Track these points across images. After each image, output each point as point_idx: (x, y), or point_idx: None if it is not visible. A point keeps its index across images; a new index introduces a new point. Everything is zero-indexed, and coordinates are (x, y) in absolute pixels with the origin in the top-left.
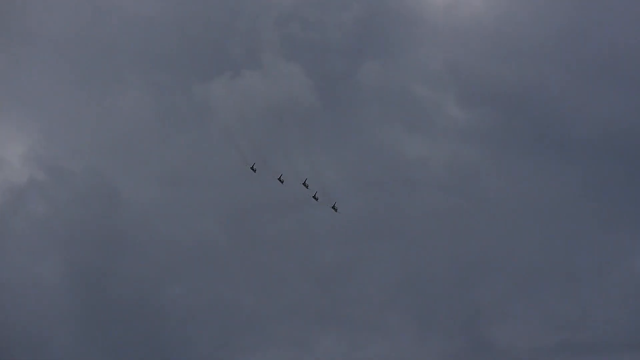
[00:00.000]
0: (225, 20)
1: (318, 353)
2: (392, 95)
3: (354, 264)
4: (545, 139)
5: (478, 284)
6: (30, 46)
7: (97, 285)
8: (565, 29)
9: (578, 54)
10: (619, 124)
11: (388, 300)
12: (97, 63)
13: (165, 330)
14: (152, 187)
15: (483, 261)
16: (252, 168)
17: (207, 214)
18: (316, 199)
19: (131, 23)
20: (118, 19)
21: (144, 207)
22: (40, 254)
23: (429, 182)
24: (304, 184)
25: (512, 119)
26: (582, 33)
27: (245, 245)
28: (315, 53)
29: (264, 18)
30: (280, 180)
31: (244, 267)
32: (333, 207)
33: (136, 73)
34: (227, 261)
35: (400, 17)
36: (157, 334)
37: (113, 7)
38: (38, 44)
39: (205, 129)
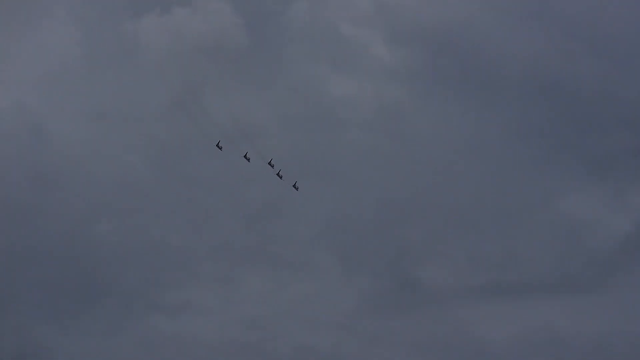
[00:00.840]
0: None
1: (245, 290)
2: (320, 34)
3: (282, 202)
4: (473, 78)
5: (405, 224)
6: None
7: (24, 221)
8: None
9: None
10: (546, 63)
11: (315, 239)
12: None
13: (94, 267)
14: (80, 123)
15: (410, 200)
16: (217, 146)
17: (135, 151)
18: (280, 177)
19: None
20: None
21: (72, 144)
22: None
23: (356, 121)
24: (270, 163)
25: (440, 59)
26: None
27: (174, 183)
28: None
29: None
30: (246, 158)
31: (172, 204)
32: (294, 186)
33: (64, 8)
34: (156, 199)
35: None
36: (85, 271)
37: None
38: None
39: (134, 66)
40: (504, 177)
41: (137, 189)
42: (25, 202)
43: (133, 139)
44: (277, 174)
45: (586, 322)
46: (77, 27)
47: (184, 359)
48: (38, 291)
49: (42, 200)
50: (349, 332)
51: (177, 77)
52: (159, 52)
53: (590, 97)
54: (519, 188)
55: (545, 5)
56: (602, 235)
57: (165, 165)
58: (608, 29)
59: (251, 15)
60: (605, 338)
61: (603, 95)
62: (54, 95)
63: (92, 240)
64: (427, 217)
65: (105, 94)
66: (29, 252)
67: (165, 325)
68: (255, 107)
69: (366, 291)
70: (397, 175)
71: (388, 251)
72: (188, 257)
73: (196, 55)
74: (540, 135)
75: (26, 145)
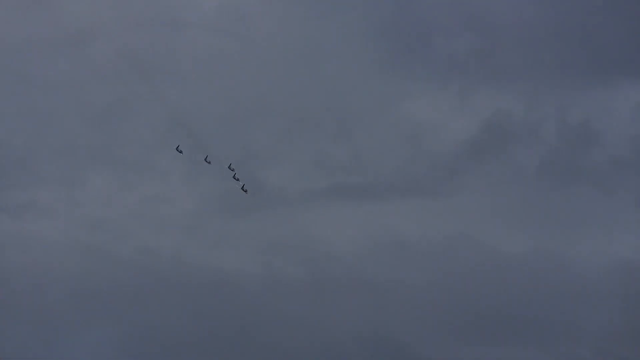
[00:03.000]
0: None
1: (89, 192)
2: None
3: (125, 103)
4: None
5: (250, 126)
6: None
7: None
8: None
9: None
10: None
11: (158, 141)
12: None
13: None
14: None
15: (255, 103)
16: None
17: None
18: (237, 179)
19: None
20: None
21: None
22: None
23: (198, 23)
24: (230, 167)
25: None
26: None
27: (17, 83)
28: None
29: None
30: (207, 162)
31: (15, 105)
32: (242, 189)
33: None
34: None
35: None
36: None
37: None
38: None
39: None
40: (349, 80)
41: None
42: None
43: None
44: (233, 177)
45: (430, 225)
46: None
47: (28, 259)
48: None
49: None
50: (193, 234)
51: None
52: None
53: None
54: (364, 91)
55: None
56: (445, 138)
57: (8, 66)
58: None
59: None
60: (448, 241)
61: None
62: None
63: None
64: (272, 120)
65: None
66: None
67: (8, 226)
68: (94, 6)
69: (211, 193)
70: (242, 78)
71: (233, 153)
72: (32, 158)
73: None
74: (384, 37)
75: None
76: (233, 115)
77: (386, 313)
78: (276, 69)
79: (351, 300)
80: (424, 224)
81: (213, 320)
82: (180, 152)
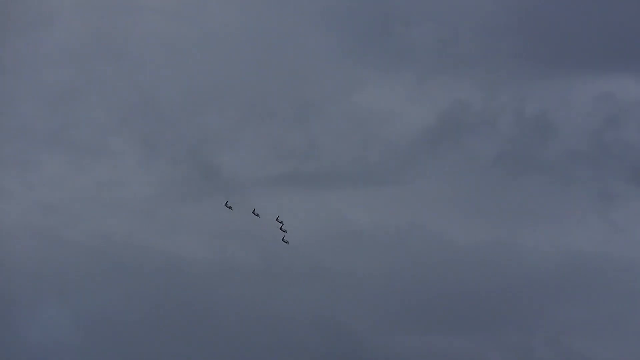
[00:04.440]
0: None
1: (44, 175)
2: None
3: (81, 86)
4: None
5: (205, 111)
6: None
7: None
8: None
9: None
10: None
11: (114, 124)
12: None
13: None
14: None
15: (211, 88)
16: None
17: None
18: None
19: None
20: None
21: None
22: None
23: (157, 8)
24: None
25: None
26: None
27: None
28: None
29: None
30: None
31: None
32: (283, 240)
33: None
34: None
35: None
36: None
37: None
38: None
39: None
40: (306, 68)
41: None
42: None
43: None
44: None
45: (383, 213)
46: None
47: None
48: None
49: None
50: (147, 219)
51: None
52: None
53: None
54: (321, 78)
55: None
56: (402, 127)
57: None
58: None
59: None
60: (402, 230)
61: None
62: None
63: None
64: (228, 105)
65: None
66: None
67: None
68: None
69: (165, 178)
70: (200, 63)
71: (189, 138)
72: None
73: None
74: (342, 25)
75: None
76: (190, 100)
77: (338, 301)
78: (233, 56)
79: (304, 288)
80: (378, 213)
81: (165, 304)
82: (230, 207)
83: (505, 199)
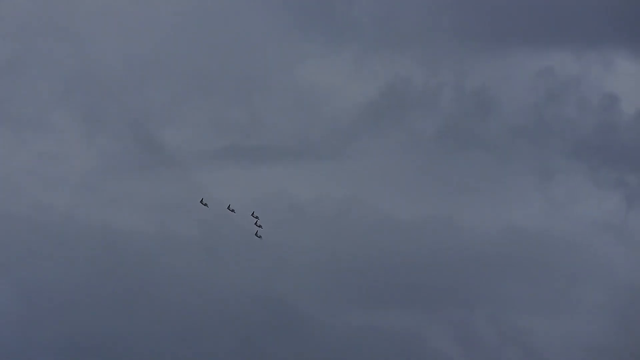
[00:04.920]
0: None
1: None
2: None
3: (21, 60)
4: None
5: (148, 85)
6: None
7: None
8: None
9: None
10: None
11: (55, 98)
12: None
13: None
14: None
15: (153, 62)
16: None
17: None
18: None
19: None
20: None
21: None
22: None
23: None
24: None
25: None
26: None
27: None
28: None
29: None
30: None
31: None
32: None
33: None
34: None
35: None
36: None
37: None
38: None
39: None
40: (248, 42)
41: None
42: None
43: None
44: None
45: (324, 188)
46: None
47: None
48: None
49: None
50: (88, 193)
51: None
52: None
53: None
54: (263, 53)
55: None
56: (343, 102)
57: None
58: None
59: None
60: (342, 205)
61: None
62: None
63: None
64: (170, 79)
65: None
66: None
67: None
68: None
69: (107, 152)
70: (141, 38)
71: (130, 112)
72: None
73: None
74: (284, 1)
75: None
76: (131, 74)
77: (278, 275)
78: (177, 30)
79: (244, 262)
80: (319, 187)
81: (105, 278)
82: (206, 205)
83: (446, 174)
